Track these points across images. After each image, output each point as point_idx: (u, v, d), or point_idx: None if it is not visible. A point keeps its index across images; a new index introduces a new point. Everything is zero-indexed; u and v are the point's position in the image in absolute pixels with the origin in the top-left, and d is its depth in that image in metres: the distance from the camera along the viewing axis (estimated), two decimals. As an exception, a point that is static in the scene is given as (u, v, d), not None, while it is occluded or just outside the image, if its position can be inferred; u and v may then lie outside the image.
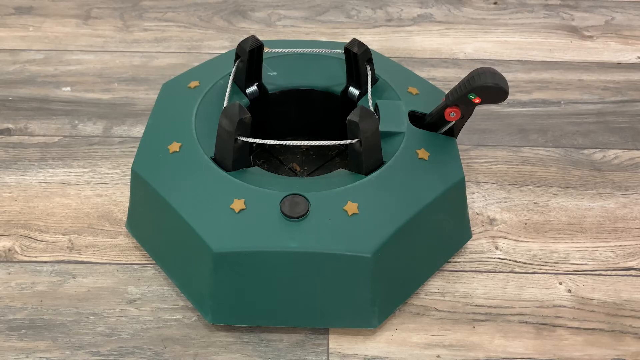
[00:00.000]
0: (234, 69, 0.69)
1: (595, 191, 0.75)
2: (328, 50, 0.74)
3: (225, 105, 0.63)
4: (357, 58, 0.68)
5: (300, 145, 0.62)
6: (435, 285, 0.65)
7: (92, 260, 0.67)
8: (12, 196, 0.74)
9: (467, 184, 0.72)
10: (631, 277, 0.66)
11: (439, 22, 1.05)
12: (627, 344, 0.60)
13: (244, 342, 0.60)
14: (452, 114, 0.65)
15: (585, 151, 0.81)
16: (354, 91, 0.71)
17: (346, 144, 0.62)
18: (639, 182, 0.77)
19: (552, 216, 0.72)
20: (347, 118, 0.60)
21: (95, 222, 0.71)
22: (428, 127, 0.68)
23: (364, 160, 0.61)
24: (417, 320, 0.62)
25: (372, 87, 0.69)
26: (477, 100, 0.63)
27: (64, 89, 0.90)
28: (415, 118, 0.69)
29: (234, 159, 0.61)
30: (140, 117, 0.85)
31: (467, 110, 0.65)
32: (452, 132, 0.68)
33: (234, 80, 0.70)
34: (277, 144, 0.62)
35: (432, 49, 0.99)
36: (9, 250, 0.68)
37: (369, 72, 0.69)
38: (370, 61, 0.69)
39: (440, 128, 0.67)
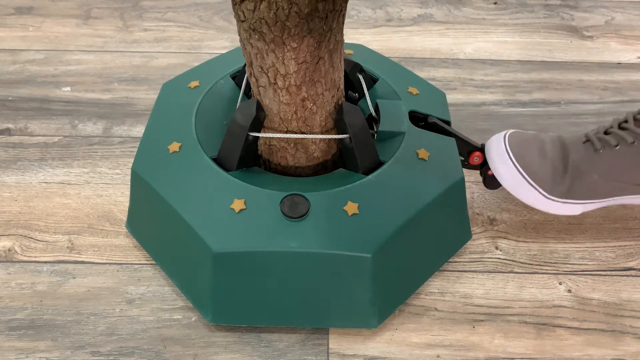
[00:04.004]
0: (244, 82, 0.69)
1: (595, 191, 0.75)
2: None
3: (238, 104, 0.64)
4: (347, 75, 0.69)
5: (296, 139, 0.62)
6: (435, 285, 0.65)
7: (92, 260, 0.67)
8: (12, 196, 0.74)
9: (467, 184, 0.72)
10: (631, 277, 0.66)
11: (439, 22, 1.05)
12: (627, 344, 0.60)
13: (244, 342, 0.60)
14: (475, 159, 0.69)
15: (585, 151, 0.81)
16: (353, 94, 0.71)
17: (338, 139, 0.62)
18: (639, 182, 0.77)
19: (552, 216, 0.72)
20: (333, 117, 0.61)
21: (95, 222, 0.71)
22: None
23: (358, 156, 0.61)
24: (417, 320, 0.62)
25: (369, 90, 0.70)
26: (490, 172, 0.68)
27: (64, 89, 0.90)
28: (416, 118, 0.69)
29: (241, 155, 0.61)
30: (140, 117, 0.85)
31: (487, 165, 0.68)
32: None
33: (236, 81, 0.71)
34: (276, 137, 0.62)
35: (432, 49, 0.99)
36: (9, 250, 0.68)
37: (363, 81, 0.69)
38: (362, 71, 0.70)
39: None
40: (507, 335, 0.61)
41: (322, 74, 0.58)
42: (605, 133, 0.65)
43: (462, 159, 0.69)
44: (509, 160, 0.64)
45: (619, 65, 0.96)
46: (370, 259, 0.57)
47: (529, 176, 0.64)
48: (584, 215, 0.72)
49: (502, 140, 0.66)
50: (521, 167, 0.64)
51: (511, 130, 0.67)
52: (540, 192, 0.64)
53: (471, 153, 0.69)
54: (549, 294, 0.65)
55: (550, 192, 0.64)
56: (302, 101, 0.59)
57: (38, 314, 0.62)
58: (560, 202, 0.65)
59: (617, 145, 0.63)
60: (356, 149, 0.61)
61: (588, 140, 0.65)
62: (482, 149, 0.68)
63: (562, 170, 0.64)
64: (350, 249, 0.57)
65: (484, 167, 0.69)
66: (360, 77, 0.69)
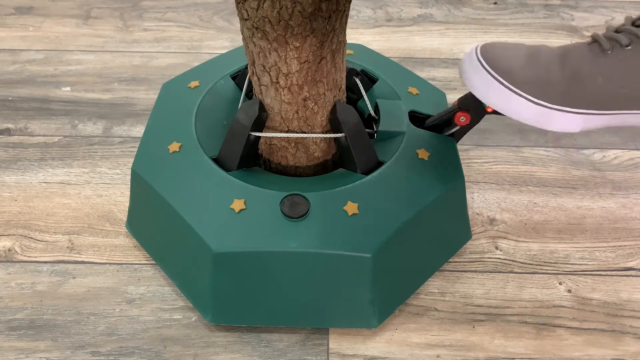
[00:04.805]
0: (246, 82, 0.69)
1: (595, 191, 0.75)
2: None
3: (240, 104, 0.64)
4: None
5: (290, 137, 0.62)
6: (435, 285, 0.65)
7: (92, 260, 0.67)
8: (12, 196, 0.74)
9: (467, 184, 0.72)
10: (631, 277, 0.66)
11: (439, 22, 1.05)
12: (627, 344, 0.60)
13: (244, 342, 0.60)
14: (462, 119, 0.65)
15: (585, 151, 0.81)
16: (353, 96, 0.71)
17: (335, 137, 0.62)
18: (639, 182, 0.77)
19: (552, 216, 0.72)
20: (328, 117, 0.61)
21: (95, 222, 0.71)
22: (431, 129, 0.68)
23: (355, 154, 0.61)
24: (417, 320, 0.62)
25: (367, 91, 0.70)
26: (489, 109, 0.63)
27: (64, 89, 0.90)
28: (416, 118, 0.69)
29: (242, 155, 0.61)
30: (140, 117, 0.85)
31: (477, 116, 0.65)
32: (455, 137, 0.68)
33: (236, 82, 0.71)
34: (277, 136, 0.62)
35: (432, 49, 0.99)
36: (9, 250, 0.68)
37: (359, 83, 0.69)
38: (357, 74, 0.70)
39: (444, 131, 0.67)
40: (507, 335, 0.61)
41: (324, 73, 0.58)
42: (616, 32, 0.56)
43: (451, 131, 0.67)
44: (480, 66, 0.55)
45: (619, 65, 0.96)
46: (370, 259, 0.57)
47: (507, 80, 0.55)
48: (584, 215, 0.72)
49: (473, 51, 0.57)
50: (495, 70, 0.55)
51: (486, 42, 0.59)
52: (525, 97, 0.55)
53: (455, 117, 0.65)
54: (549, 294, 0.65)
55: (540, 95, 0.54)
56: (304, 101, 0.59)
57: (38, 314, 0.62)
58: (554, 109, 0.55)
59: (629, 45, 0.54)
60: (352, 147, 0.61)
61: (595, 41, 0.56)
62: (460, 106, 0.65)
63: (558, 72, 0.55)
64: (350, 249, 0.57)
65: (480, 114, 0.64)
66: (357, 80, 0.69)
